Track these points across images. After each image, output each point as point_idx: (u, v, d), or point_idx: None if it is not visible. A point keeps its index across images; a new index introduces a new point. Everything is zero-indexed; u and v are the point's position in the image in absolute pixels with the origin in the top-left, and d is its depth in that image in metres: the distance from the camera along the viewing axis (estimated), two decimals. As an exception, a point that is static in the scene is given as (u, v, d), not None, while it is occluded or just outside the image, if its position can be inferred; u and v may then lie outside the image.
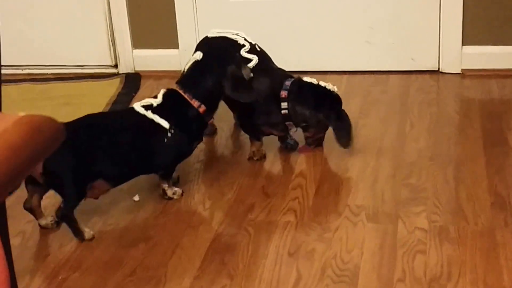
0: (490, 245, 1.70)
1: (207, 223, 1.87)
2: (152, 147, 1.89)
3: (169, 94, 1.95)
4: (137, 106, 1.92)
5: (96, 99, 2.65)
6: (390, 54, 2.75)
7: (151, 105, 1.92)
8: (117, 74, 2.90)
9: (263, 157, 2.20)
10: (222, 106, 2.16)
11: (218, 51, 2.02)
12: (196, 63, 1.98)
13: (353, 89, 2.67)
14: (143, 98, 1.98)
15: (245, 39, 2.11)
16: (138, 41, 2.89)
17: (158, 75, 2.82)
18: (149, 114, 1.90)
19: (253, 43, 2.11)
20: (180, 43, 2.84)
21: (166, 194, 1.99)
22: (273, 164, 2.18)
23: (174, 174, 2.03)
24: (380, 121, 2.41)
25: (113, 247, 1.78)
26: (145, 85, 2.80)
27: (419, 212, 1.86)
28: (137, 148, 1.88)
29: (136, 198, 2.01)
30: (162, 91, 1.95)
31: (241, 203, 1.95)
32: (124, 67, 2.93)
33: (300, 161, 2.20)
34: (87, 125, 1.85)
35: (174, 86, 2.00)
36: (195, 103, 1.94)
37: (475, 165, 2.07)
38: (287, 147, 2.17)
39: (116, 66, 2.93)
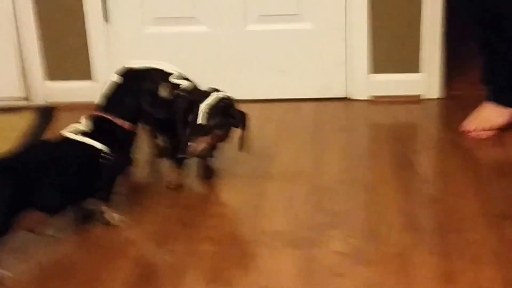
0: (404, 265, 1.71)
1: (128, 255, 1.83)
2: (87, 170, 1.89)
3: (93, 118, 1.97)
4: (66, 132, 1.93)
5: (6, 134, 2.54)
6: (301, 82, 2.76)
7: (78, 129, 1.93)
8: (29, 107, 2.80)
9: (180, 186, 2.18)
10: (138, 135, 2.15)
11: (136, 73, 2.04)
12: (114, 86, 2.01)
13: (268, 116, 2.68)
14: (58, 131, 1.96)
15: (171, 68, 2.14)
16: (50, 72, 2.81)
17: (71, 107, 2.73)
18: (80, 137, 1.90)
19: (179, 71, 2.13)
20: (93, 74, 2.78)
21: (104, 218, 1.97)
22: (190, 192, 2.17)
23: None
24: (295, 147, 2.42)
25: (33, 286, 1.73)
26: (59, 117, 2.71)
27: (335, 235, 1.87)
28: (73, 173, 1.86)
29: (53, 233, 1.95)
30: (83, 117, 1.96)
31: (159, 233, 1.93)
32: (37, 99, 2.83)
33: (218, 189, 2.20)
34: (24, 154, 1.85)
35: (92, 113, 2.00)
36: (119, 121, 1.95)
37: (385, 188, 2.09)
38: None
39: (27, 98, 2.83)
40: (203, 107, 2.00)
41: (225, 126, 2.02)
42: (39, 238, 1.89)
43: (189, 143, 2.01)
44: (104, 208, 1.97)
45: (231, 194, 2.15)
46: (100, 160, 1.89)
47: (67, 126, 1.96)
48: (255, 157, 2.35)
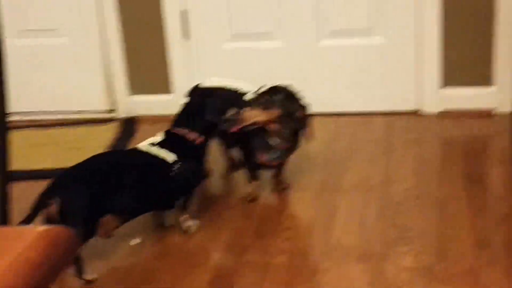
0: (476, 284, 1.68)
1: (205, 264, 1.86)
2: (160, 179, 1.92)
3: (167, 133, 2.04)
4: (140, 145, 1.99)
5: (96, 143, 2.63)
6: (373, 96, 2.75)
7: (153, 143, 1.99)
8: (114, 119, 2.91)
9: (256, 198, 2.21)
10: (215, 149, 2.26)
11: (202, 91, 2.13)
12: (185, 105, 2.10)
13: (339, 130, 2.69)
14: (140, 142, 2.02)
15: (247, 87, 2.17)
16: (134, 87, 2.90)
17: (153, 119, 2.82)
18: (154, 149, 1.95)
19: (252, 88, 2.12)
20: (173, 88, 2.85)
21: (183, 227, 2.02)
22: (265, 205, 2.19)
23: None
24: (366, 161, 2.41)
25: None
26: (141, 129, 2.79)
27: (406, 251, 1.84)
28: (146, 182, 1.89)
29: (136, 241, 2.00)
30: (161, 132, 2.03)
31: (235, 244, 1.96)
32: (121, 112, 2.93)
33: (291, 202, 2.21)
34: (98, 163, 1.89)
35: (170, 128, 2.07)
36: (191, 136, 2.01)
37: (457, 204, 2.06)
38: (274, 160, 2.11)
39: (112, 111, 2.94)
40: (267, 85, 2.03)
41: (284, 106, 2.01)
42: (121, 244, 1.94)
43: (243, 110, 1.99)
44: (183, 217, 2.01)
45: (304, 207, 2.17)
46: (172, 170, 1.93)
47: (149, 137, 2.04)
48: (326, 170, 2.37)
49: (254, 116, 2.01)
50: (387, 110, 2.74)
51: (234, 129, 2.03)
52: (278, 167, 2.23)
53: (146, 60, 2.83)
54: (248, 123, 2.00)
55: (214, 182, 2.35)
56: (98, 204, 1.80)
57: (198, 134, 2.02)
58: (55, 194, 1.75)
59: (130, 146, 2.57)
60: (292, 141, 2.09)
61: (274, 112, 2.01)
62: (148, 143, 1.99)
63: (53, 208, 1.72)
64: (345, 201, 2.17)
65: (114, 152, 2.23)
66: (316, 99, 2.64)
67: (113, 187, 1.83)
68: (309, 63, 2.76)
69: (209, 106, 2.04)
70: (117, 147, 2.61)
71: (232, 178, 2.39)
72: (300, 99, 2.05)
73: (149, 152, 1.95)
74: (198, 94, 2.12)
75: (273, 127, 2.05)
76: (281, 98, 2.00)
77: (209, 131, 2.06)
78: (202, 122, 2.04)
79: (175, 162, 1.94)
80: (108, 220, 1.84)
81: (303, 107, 2.03)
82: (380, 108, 2.75)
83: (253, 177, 2.20)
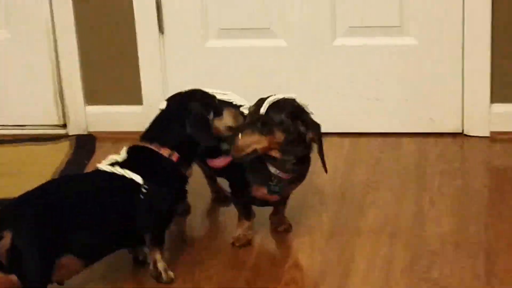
0: None
1: None
2: (127, 208, 1.98)
3: (134, 149, 2.07)
4: (102, 165, 2.03)
5: (40, 168, 2.65)
6: (403, 112, 2.78)
7: (117, 161, 2.02)
8: (66, 136, 2.95)
9: (248, 243, 2.22)
10: (196, 178, 2.24)
11: (184, 97, 2.13)
12: (160, 112, 2.12)
13: (358, 154, 2.70)
14: (98, 162, 2.07)
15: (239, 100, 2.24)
16: (92, 96, 2.94)
17: (116, 137, 2.85)
18: (118, 169, 1.99)
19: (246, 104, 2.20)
20: (144, 98, 2.89)
21: (156, 269, 2.04)
22: (260, 251, 2.19)
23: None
24: (392, 196, 2.42)
25: None
26: (101, 149, 2.83)
27: (443, 314, 1.87)
28: (111, 211, 1.95)
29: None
30: (124, 148, 2.07)
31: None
32: (75, 127, 2.97)
33: (295, 247, 2.21)
34: (53, 191, 1.95)
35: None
36: (165, 151, 2.04)
37: (510, 255, 2.07)
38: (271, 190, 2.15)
39: (64, 126, 2.98)
40: (268, 100, 2.05)
41: (289, 128, 2.04)
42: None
43: (238, 135, 2.03)
44: (156, 256, 2.04)
45: (311, 254, 2.17)
46: (139, 196, 1.98)
47: (114, 153, 2.09)
48: (341, 207, 2.38)
49: (251, 143, 2.04)
50: (420, 131, 2.77)
51: (223, 163, 2.12)
52: (279, 203, 2.25)
53: (107, 62, 2.88)
54: (243, 153, 2.04)
55: (195, 221, 2.36)
56: (55, 243, 1.84)
57: (171, 151, 2.05)
58: (2, 229, 1.80)
59: (88, 169, 2.62)
60: (297, 171, 2.11)
61: (277, 138, 2.04)
62: (109, 162, 2.03)
63: (2, 244, 1.79)
64: (364, 247, 2.16)
65: (72, 177, 2.25)
66: (328, 115, 2.68)
67: (72, 221, 1.88)
68: (320, 68, 2.77)
69: (193, 116, 2.06)
70: (69, 172, 2.64)
71: (218, 215, 2.43)
72: (308, 117, 2.07)
73: (114, 173, 1.99)
74: (179, 99, 2.13)
75: (274, 154, 2.07)
76: (284, 117, 2.03)
77: (188, 148, 2.07)
78: (179, 135, 2.06)
79: (144, 184, 1.99)
80: (67, 261, 1.87)
81: (312, 128, 2.05)
82: (411, 128, 2.78)
83: (246, 215, 2.22)
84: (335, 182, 2.51)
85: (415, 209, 2.34)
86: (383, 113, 2.79)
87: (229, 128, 2.09)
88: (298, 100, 2.08)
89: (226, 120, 2.12)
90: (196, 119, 2.07)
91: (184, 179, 2.10)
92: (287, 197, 2.24)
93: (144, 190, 1.99)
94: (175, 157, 2.05)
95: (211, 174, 2.38)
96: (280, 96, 2.07)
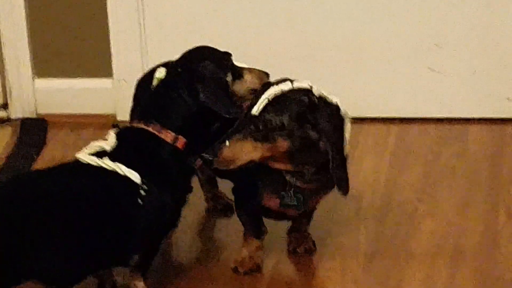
0: None
1: None
2: (119, 218, 1.99)
3: (126, 132, 2.09)
4: (84, 155, 2.03)
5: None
6: (470, 91, 2.81)
7: (104, 151, 2.02)
8: (6, 120, 2.99)
9: (256, 268, 2.24)
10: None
11: (190, 57, 2.16)
12: (157, 83, 2.14)
13: (409, 147, 2.72)
14: (53, 159, 2.17)
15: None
16: (44, 66, 2.99)
17: (76, 122, 2.92)
18: (108, 163, 1.99)
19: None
20: (115, 68, 2.95)
21: None
22: (273, 279, 2.20)
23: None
24: (455, 206, 2.44)
25: None
26: (55, 138, 2.87)
27: None
28: (94, 223, 1.95)
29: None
30: (112, 132, 2.07)
31: None
32: (19, 108, 3.01)
33: (320, 275, 2.24)
34: (13, 193, 1.95)
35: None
36: (168, 135, 2.06)
37: None
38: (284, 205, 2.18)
39: (5, 106, 3.02)
40: (266, 93, 2.07)
41: (295, 134, 2.06)
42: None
43: (224, 142, 2.05)
44: (139, 284, 2.07)
45: (342, 284, 2.18)
46: (136, 199, 1.98)
47: (71, 152, 2.13)
48: (380, 221, 2.40)
49: (243, 154, 2.07)
50: (494, 116, 2.79)
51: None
52: (298, 219, 2.28)
53: (63, 19, 2.93)
54: (231, 167, 2.07)
55: (185, 238, 2.37)
56: (14, 264, 1.86)
57: (176, 134, 2.06)
58: None
59: (35, 166, 2.65)
60: (322, 179, 2.13)
61: (279, 146, 2.07)
62: (94, 150, 2.04)
63: None
64: (415, 275, 2.17)
65: (38, 174, 2.16)
66: (367, 93, 2.83)
67: (36, 238, 1.88)
68: (335, 36, 2.85)
69: (207, 79, 2.08)
70: (11, 169, 2.68)
71: (215, 231, 2.45)
72: (321, 119, 2.07)
73: (101, 167, 2.00)
74: (184, 61, 2.16)
75: (282, 166, 2.11)
76: (288, 119, 2.05)
77: (198, 130, 2.10)
78: (187, 111, 2.08)
79: (142, 184, 2.00)
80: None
81: (326, 134, 2.06)
82: (481, 112, 2.81)
83: (254, 230, 2.25)
84: (376, 187, 2.55)
85: (485, 224, 2.36)
86: (443, 91, 2.83)
87: (254, 91, 2.12)
88: (314, 90, 2.09)
89: (249, 82, 2.16)
90: (211, 83, 2.09)
91: (190, 174, 2.13)
92: (311, 210, 2.28)
93: (143, 193, 2.00)
94: (180, 143, 2.08)
95: (208, 174, 2.42)
96: (286, 85, 2.09)
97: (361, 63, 2.92)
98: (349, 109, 2.13)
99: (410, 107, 2.91)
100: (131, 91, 2.29)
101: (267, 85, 2.10)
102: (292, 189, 2.14)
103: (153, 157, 2.05)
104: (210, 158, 2.03)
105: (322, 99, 2.07)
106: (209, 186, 2.48)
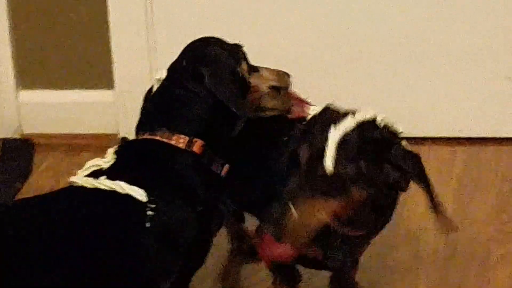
0: None
1: None
2: (120, 249, 1.88)
3: (127, 146, 2.01)
4: (80, 178, 1.94)
5: None
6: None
7: (101, 169, 1.94)
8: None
9: None
10: None
11: (195, 46, 2.10)
12: (160, 85, 2.06)
13: (480, 174, 2.64)
14: (41, 189, 2.12)
15: None
16: (30, 75, 2.91)
17: (70, 144, 2.83)
18: (105, 182, 1.90)
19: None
20: (117, 78, 2.85)
21: None
22: None
23: None
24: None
25: None
26: (42, 163, 2.77)
27: None
28: (89, 260, 1.85)
29: None
30: (111, 149, 2.00)
31: None
32: (0, 126, 2.94)
33: None
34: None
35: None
36: (180, 140, 1.96)
37: None
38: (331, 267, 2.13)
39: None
40: (332, 138, 1.90)
41: (374, 180, 1.92)
42: None
43: (289, 208, 1.89)
44: None
45: None
46: (145, 221, 1.88)
47: (60, 180, 2.14)
48: (451, 266, 2.33)
49: (316, 217, 1.92)
50: None
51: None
52: (340, 271, 2.19)
53: (55, 21, 2.85)
54: (302, 235, 1.92)
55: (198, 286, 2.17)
56: None
57: (190, 136, 1.96)
58: None
59: (19, 196, 2.56)
60: (377, 221, 2.04)
61: (356, 197, 1.93)
62: (90, 170, 1.96)
63: None
64: None
65: (26, 203, 2.04)
66: (422, 110, 2.79)
67: (21, 272, 1.81)
68: (404, 32, 2.78)
69: (214, 66, 1.99)
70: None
71: (239, 277, 2.34)
72: (401, 153, 1.95)
73: (101, 188, 1.90)
74: (188, 51, 2.08)
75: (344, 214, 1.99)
76: (364, 164, 1.91)
77: (219, 127, 2.02)
78: (201, 105, 1.98)
79: (150, 203, 1.88)
80: None
81: (414, 169, 1.95)
82: None
83: (284, 278, 2.15)
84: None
85: None
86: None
87: (274, 89, 2.05)
88: (379, 119, 1.97)
89: (269, 78, 2.07)
90: (220, 68, 2.01)
91: (217, 182, 2.02)
92: (356, 258, 2.17)
93: (150, 213, 1.86)
94: (197, 146, 1.95)
95: (233, 208, 2.30)
96: (350, 121, 1.94)
97: (420, 69, 2.84)
98: (405, 126, 1.99)
99: (482, 125, 2.84)
100: (137, 105, 2.13)
101: (325, 124, 1.93)
102: (340, 239, 2.02)
103: (164, 168, 1.95)
104: (273, 229, 1.92)
105: (387, 128, 1.97)
106: (234, 221, 2.39)
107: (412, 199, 2.13)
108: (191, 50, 2.08)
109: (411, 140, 2.01)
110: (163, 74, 2.05)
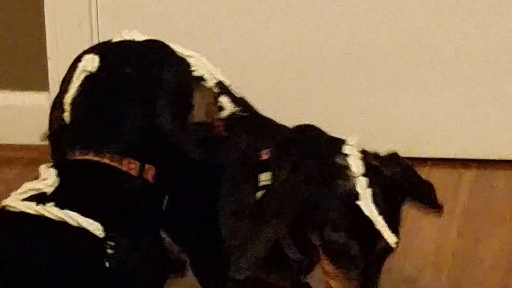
0: None
1: None
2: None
3: (71, 169, 1.93)
4: (15, 201, 1.86)
5: None
6: None
7: (44, 193, 1.84)
8: None
9: None
10: None
11: (139, 52, 2.04)
12: (88, 81, 1.98)
13: (490, 202, 2.60)
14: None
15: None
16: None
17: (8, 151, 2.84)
18: (53, 210, 1.80)
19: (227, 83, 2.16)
20: (52, 78, 2.81)
21: None
22: None
23: None
24: None
25: None
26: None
27: None
28: None
29: None
30: (46, 167, 1.90)
31: None
32: None
33: None
34: None
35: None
36: (131, 166, 1.92)
37: None
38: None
39: None
40: (361, 184, 1.83)
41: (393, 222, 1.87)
42: None
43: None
44: None
45: None
46: (104, 260, 1.82)
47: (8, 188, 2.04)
48: None
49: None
50: None
51: None
52: None
53: None
54: None
55: None
56: None
57: (141, 162, 1.91)
58: None
59: None
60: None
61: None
62: (29, 193, 1.86)
63: None
64: None
65: None
66: (422, 128, 2.78)
67: None
68: (406, 39, 2.76)
69: (165, 93, 1.95)
70: None
71: None
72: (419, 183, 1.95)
73: (44, 216, 1.82)
74: (139, 58, 2.01)
75: None
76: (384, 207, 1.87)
77: (173, 150, 1.96)
78: (148, 127, 1.92)
79: (108, 239, 1.83)
80: None
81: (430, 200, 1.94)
82: None
83: None
84: (441, 261, 2.37)
85: None
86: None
87: (197, 125, 2.02)
88: (378, 156, 1.91)
89: (195, 111, 2.04)
90: (177, 101, 1.99)
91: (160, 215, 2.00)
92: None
93: (110, 251, 1.79)
94: (150, 173, 1.90)
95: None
96: (355, 161, 1.86)
97: (421, 79, 2.80)
98: (402, 146, 2.07)
99: (492, 145, 2.78)
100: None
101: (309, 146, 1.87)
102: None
103: (116, 198, 1.89)
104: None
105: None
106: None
107: (410, 231, 2.12)
108: (144, 63, 2.02)
109: (409, 161, 1.93)
110: (94, 65, 1.94)
